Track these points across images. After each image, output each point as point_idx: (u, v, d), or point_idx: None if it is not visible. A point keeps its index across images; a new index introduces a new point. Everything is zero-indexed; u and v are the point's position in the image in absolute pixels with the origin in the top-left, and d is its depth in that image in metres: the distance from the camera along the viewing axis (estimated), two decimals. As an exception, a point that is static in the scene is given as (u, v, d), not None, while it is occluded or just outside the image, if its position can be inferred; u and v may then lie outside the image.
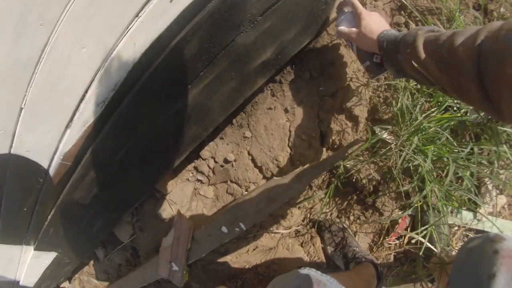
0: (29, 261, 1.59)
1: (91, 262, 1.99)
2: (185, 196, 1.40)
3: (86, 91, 0.90)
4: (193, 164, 1.37)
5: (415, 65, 0.70)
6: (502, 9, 1.35)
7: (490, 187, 1.44)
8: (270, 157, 1.18)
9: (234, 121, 1.22)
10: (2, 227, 1.28)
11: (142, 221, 1.55)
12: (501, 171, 1.34)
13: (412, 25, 1.30)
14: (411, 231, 1.39)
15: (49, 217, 1.28)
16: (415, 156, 1.07)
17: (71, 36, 0.75)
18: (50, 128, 0.95)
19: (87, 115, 0.95)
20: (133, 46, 0.84)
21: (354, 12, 0.94)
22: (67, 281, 2.25)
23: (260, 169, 1.21)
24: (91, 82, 0.88)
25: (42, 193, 1.17)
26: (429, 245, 1.19)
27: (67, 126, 0.96)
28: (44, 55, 0.77)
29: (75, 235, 1.49)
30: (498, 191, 1.49)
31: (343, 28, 0.96)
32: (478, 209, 1.45)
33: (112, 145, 1.03)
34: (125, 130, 1.01)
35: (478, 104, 0.62)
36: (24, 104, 0.85)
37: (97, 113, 0.95)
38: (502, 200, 1.56)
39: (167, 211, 1.46)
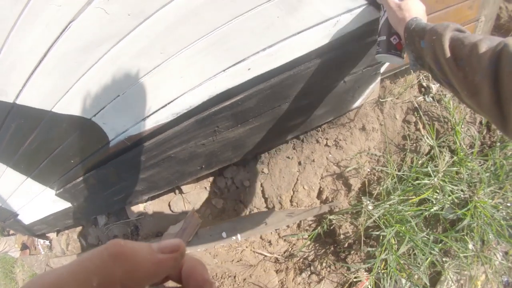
0: (43, 202, 1.85)
1: (88, 225, 2.22)
2: (200, 200, 1.72)
3: (168, 103, 1.26)
4: (214, 178, 1.70)
5: (437, 51, 0.71)
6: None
7: (450, 276, 1.62)
8: (276, 193, 1.50)
9: (258, 157, 1.56)
10: (44, 167, 1.61)
11: (154, 206, 1.86)
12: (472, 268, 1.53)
13: (420, 125, 1.63)
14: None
15: (87, 174, 1.59)
16: (381, 225, 1.38)
17: (177, 65, 1.11)
18: (130, 115, 1.30)
19: (161, 117, 1.30)
20: (214, 87, 1.21)
21: None
22: (55, 233, 2.48)
23: (265, 200, 1.53)
24: (175, 99, 1.24)
25: (94, 155, 1.50)
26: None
27: (143, 119, 1.32)
28: (154, 70, 1.13)
29: (96, 197, 1.78)
30: (457, 283, 1.69)
31: None
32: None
33: (168, 145, 1.38)
34: (183, 139, 1.35)
35: (486, 108, 0.60)
36: (122, 94, 1.21)
37: (168, 119, 1.30)
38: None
39: (179, 206, 1.77)
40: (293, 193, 1.50)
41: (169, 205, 1.79)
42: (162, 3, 0.95)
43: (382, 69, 1.42)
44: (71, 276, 0.21)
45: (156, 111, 1.29)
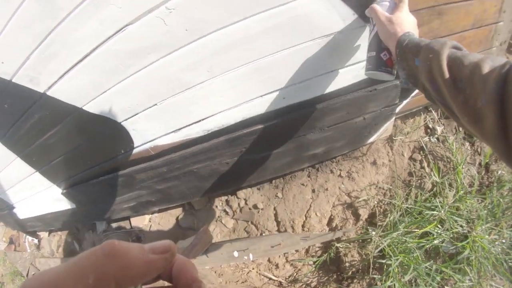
0: (46, 199, 1.76)
1: (84, 230, 2.14)
2: (210, 218, 1.73)
3: (203, 119, 1.30)
4: (226, 197, 1.73)
5: (434, 71, 0.66)
6: (500, 171, 1.71)
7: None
8: (289, 217, 1.55)
9: (273, 181, 1.62)
10: (57, 163, 1.56)
11: (161, 219, 1.85)
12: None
13: (425, 164, 1.74)
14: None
15: (101, 178, 1.56)
16: (388, 254, 1.44)
17: (220, 84, 1.17)
18: (162, 125, 1.32)
19: (192, 132, 1.34)
20: (249, 110, 1.27)
21: (396, 3, 0.89)
22: (47, 233, 2.35)
23: (278, 223, 1.57)
24: (210, 116, 1.28)
25: (114, 160, 1.48)
26: None
27: (174, 131, 1.34)
28: (197, 86, 1.18)
29: (104, 202, 1.73)
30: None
31: (376, 6, 0.90)
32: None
33: (193, 159, 1.40)
34: (209, 155, 1.39)
35: (490, 136, 0.55)
36: (159, 104, 1.23)
37: (199, 134, 1.34)
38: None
39: (188, 222, 1.77)
40: (306, 218, 1.55)
41: (177, 220, 1.79)
42: (220, 25, 1.01)
43: (397, 110, 1.54)
44: (69, 273, 0.23)
45: (189, 125, 1.32)
